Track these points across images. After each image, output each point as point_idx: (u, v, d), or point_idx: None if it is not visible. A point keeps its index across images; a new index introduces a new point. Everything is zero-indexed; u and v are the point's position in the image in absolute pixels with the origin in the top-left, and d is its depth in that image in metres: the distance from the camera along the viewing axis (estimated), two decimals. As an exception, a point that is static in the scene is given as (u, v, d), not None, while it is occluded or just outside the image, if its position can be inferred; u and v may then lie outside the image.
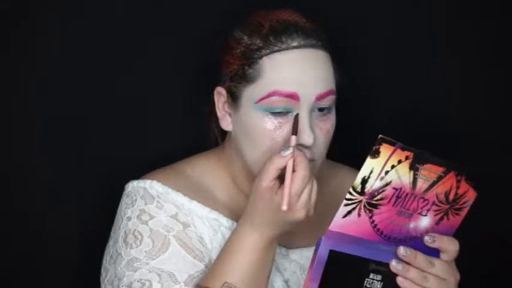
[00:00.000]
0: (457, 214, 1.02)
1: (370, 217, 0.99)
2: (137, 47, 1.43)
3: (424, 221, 1.02)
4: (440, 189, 0.99)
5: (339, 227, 0.99)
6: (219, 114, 1.19)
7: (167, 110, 1.46)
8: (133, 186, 1.21)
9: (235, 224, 1.19)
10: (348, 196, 0.97)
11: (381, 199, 0.98)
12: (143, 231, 1.15)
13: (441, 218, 1.02)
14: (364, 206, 0.98)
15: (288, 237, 1.21)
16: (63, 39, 1.40)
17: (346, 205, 0.98)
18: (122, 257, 1.15)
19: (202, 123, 1.29)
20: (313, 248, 1.07)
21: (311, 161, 1.12)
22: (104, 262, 1.20)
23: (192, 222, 1.18)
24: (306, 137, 1.10)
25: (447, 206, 1.01)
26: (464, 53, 1.47)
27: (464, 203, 1.02)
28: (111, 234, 1.21)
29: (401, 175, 0.97)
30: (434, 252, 1.04)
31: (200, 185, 1.22)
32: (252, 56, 1.12)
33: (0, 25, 1.37)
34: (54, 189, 1.44)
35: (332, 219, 0.99)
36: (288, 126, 1.11)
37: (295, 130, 1.08)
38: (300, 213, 1.06)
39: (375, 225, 1.00)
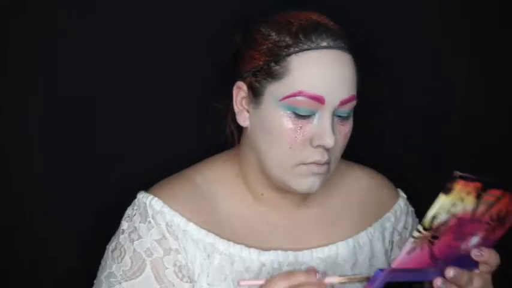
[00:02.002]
0: (501, 227, 1.01)
1: (431, 249, 0.96)
2: (145, 46, 1.42)
3: (474, 241, 1.00)
4: (495, 209, 0.97)
5: (400, 264, 0.96)
6: (236, 109, 1.18)
7: (177, 109, 1.46)
8: (139, 199, 1.22)
9: (231, 244, 1.18)
10: (416, 234, 0.94)
11: (444, 230, 0.95)
12: (128, 250, 1.17)
13: (487, 235, 1.00)
14: (429, 240, 0.95)
15: (294, 239, 1.21)
16: (66, 38, 1.40)
17: (413, 243, 0.94)
18: (106, 266, 1.19)
19: (214, 122, 1.29)
20: (324, 249, 1.13)
21: (326, 164, 1.12)
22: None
23: (182, 246, 1.17)
24: (328, 139, 1.10)
25: (494, 224, 0.99)
26: (480, 54, 1.47)
27: (509, 216, 1.00)
28: (113, 237, 1.22)
29: (467, 204, 0.94)
30: (472, 263, 1.02)
31: (206, 196, 1.21)
32: (280, 52, 1.11)
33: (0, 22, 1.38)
34: (58, 190, 1.44)
35: (396, 258, 0.96)
36: (309, 129, 1.11)
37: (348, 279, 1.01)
38: None
39: (433, 255, 0.97)
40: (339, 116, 1.12)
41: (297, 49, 1.10)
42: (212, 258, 1.18)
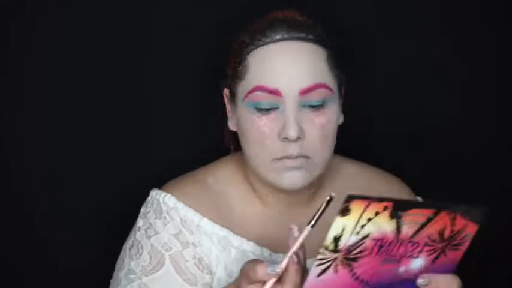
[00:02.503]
0: (456, 249, 0.95)
1: (350, 271, 0.92)
2: (146, 47, 1.43)
3: (417, 263, 0.94)
4: (431, 230, 0.92)
5: (314, 285, 0.90)
6: (228, 115, 1.20)
7: (179, 110, 1.46)
8: (152, 196, 1.23)
9: (244, 241, 1.19)
10: (320, 256, 0.88)
11: (360, 252, 0.90)
12: (145, 246, 1.18)
13: (438, 256, 0.95)
14: (341, 261, 0.90)
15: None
16: (66, 38, 1.41)
17: (319, 265, 0.89)
18: (124, 264, 1.19)
19: (217, 124, 1.28)
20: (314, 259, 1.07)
21: (302, 157, 1.11)
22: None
23: (197, 240, 1.18)
24: (289, 131, 1.09)
25: (443, 244, 0.94)
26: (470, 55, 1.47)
27: (463, 237, 0.94)
28: (129, 235, 1.23)
29: (381, 225, 0.89)
30: None
31: (219, 195, 1.22)
32: (242, 52, 1.13)
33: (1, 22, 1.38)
34: (58, 190, 1.45)
35: (306, 280, 0.90)
36: (276, 122, 1.11)
37: (312, 219, 0.95)
38: None
39: (357, 277, 0.92)
40: (311, 107, 1.11)
41: (253, 46, 1.12)
42: (228, 251, 1.19)
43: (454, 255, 0.95)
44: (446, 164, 1.49)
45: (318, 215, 0.93)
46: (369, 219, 0.88)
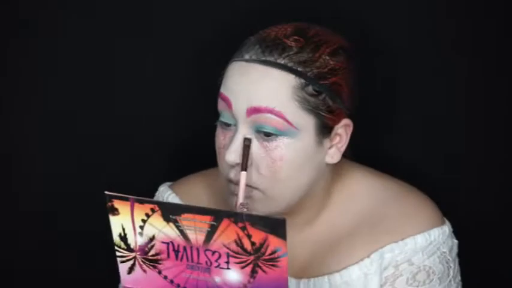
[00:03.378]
0: (274, 266, 0.91)
1: (159, 272, 0.93)
2: (147, 45, 1.43)
3: (232, 275, 0.92)
4: (224, 239, 0.90)
5: (131, 282, 0.93)
6: None
7: (185, 109, 1.46)
8: (159, 191, 1.25)
9: None
10: (118, 254, 0.92)
11: (157, 254, 0.91)
12: None
13: (253, 271, 0.92)
14: (144, 262, 0.92)
15: (299, 266, 1.15)
16: (66, 38, 1.41)
17: (122, 262, 0.92)
18: None
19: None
20: (323, 278, 1.08)
21: (250, 187, 1.05)
22: None
23: None
24: (227, 153, 1.04)
25: (251, 257, 0.91)
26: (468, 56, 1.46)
27: (273, 252, 0.90)
28: None
29: (161, 228, 0.90)
30: None
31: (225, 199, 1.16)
32: (228, 63, 1.11)
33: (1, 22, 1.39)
34: (58, 190, 1.46)
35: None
36: (229, 141, 1.07)
37: (243, 163, 1.02)
38: None
39: (172, 281, 0.93)
40: (265, 134, 1.04)
41: (231, 59, 1.09)
42: None
43: (277, 274, 0.91)
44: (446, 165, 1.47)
45: (244, 159, 1.02)
46: (144, 221, 0.89)
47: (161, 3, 1.41)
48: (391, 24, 1.37)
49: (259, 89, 1.04)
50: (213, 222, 0.88)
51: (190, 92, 1.44)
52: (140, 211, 0.88)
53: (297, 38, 1.06)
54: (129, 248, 0.91)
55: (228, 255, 0.90)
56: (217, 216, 0.88)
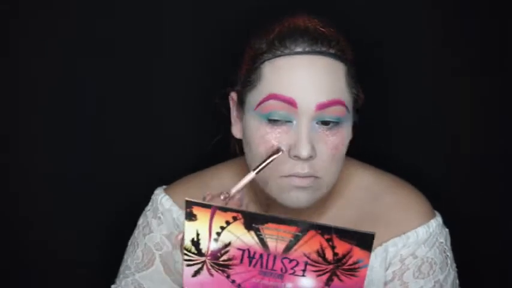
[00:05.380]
0: (352, 275, 0.91)
1: (227, 277, 0.93)
2: (153, 47, 1.43)
3: (305, 282, 0.92)
4: (305, 249, 0.90)
5: (194, 285, 0.93)
6: (232, 120, 1.15)
7: (187, 111, 1.46)
8: (155, 194, 1.24)
9: None
10: (186, 257, 0.92)
11: (229, 259, 0.91)
12: (140, 243, 1.21)
13: (330, 279, 0.92)
14: (212, 266, 0.92)
15: None
16: (66, 38, 1.41)
17: (188, 265, 0.92)
18: (124, 260, 1.23)
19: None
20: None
21: (311, 177, 1.05)
22: None
23: None
24: (301, 149, 1.03)
25: (330, 267, 0.91)
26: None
27: (355, 263, 0.90)
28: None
29: (240, 236, 0.90)
30: None
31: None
32: (257, 60, 1.07)
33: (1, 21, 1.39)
34: (59, 190, 1.46)
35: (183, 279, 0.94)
36: (287, 137, 1.05)
37: (258, 167, 1.02)
38: None
39: (239, 285, 0.94)
40: (324, 124, 1.05)
41: (270, 55, 1.06)
42: None
43: (354, 283, 0.92)
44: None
45: (264, 164, 1.01)
46: (222, 228, 0.89)
47: (161, 9, 1.42)
48: (385, 23, 1.40)
49: (327, 81, 1.04)
50: (297, 233, 0.89)
51: (193, 92, 1.45)
52: (221, 218, 0.88)
53: (328, 27, 1.08)
54: (199, 253, 0.91)
55: (306, 264, 0.91)
56: (304, 227, 0.88)
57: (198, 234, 0.90)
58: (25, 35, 1.39)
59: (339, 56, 1.06)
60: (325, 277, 0.92)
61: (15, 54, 1.40)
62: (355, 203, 1.17)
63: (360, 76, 1.09)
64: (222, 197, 0.99)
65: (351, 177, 1.19)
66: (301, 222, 0.88)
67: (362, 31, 1.35)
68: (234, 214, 0.88)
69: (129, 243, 1.23)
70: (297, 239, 0.89)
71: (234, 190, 1.00)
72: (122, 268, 1.22)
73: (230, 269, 0.92)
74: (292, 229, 0.88)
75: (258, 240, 0.89)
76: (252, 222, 0.88)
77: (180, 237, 0.94)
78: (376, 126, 1.39)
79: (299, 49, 1.05)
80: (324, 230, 0.88)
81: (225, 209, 0.88)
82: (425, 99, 1.43)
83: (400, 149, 1.44)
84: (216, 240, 0.90)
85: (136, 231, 1.22)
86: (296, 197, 1.06)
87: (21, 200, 1.45)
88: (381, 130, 1.43)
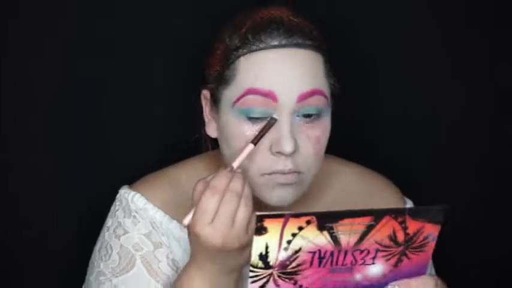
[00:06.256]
0: (420, 251, 0.92)
1: (295, 283, 0.91)
2: (153, 49, 1.43)
3: (375, 269, 0.92)
4: (378, 236, 0.89)
5: None
6: (205, 119, 1.12)
7: (159, 108, 1.45)
8: (121, 194, 1.18)
9: None
10: (252, 274, 0.88)
11: (299, 265, 0.89)
12: (114, 246, 1.13)
13: (399, 260, 0.92)
14: (279, 276, 0.89)
15: None
16: (65, 38, 1.41)
17: (253, 282, 0.89)
18: (94, 266, 1.15)
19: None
20: None
21: (295, 172, 1.03)
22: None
23: (168, 242, 1.13)
24: (285, 144, 1.00)
25: (400, 248, 0.91)
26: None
27: (424, 239, 0.91)
28: (99, 236, 1.20)
29: (312, 238, 0.87)
30: None
31: (189, 196, 1.04)
32: (230, 56, 1.04)
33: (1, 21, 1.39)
34: (58, 190, 1.45)
35: None
36: (269, 133, 1.02)
37: (256, 138, 0.99)
38: (216, 234, 0.93)
39: None
40: (306, 117, 1.03)
41: (245, 51, 1.03)
42: None
43: (421, 258, 0.93)
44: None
45: (261, 135, 0.98)
46: (294, 234, 0.87)
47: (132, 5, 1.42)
48: (366, 13, 1.41)
49: (306, 73, 1.02)
50: (371, 223, 0.88)
51: (165, 89, 1.45)
52: (293, 225, 0.86)
53: (300, 18, 1.06)
54: (266, 266, 0.88)
55: (377, 251, 0.90)
56: (378, 215, 0.88)
57: (267, 247, 0.87)
58: (25, 35, 1.39)
59: (315, 47, 1.04)
60: (393, 260, 0.91)
61: (15, 54, 1.40)
62: (345, 195, 1.17)
63: (340, 67, 1.08)
64: (228, 169, 0.96)
65: (335, 171, 1.19)
66: (375, 211, 0.88)
67: (344, 22, 1.37)
68: (308, 218, 0.86)
69: (97, 248, 1.15)
70: (370, 228, 0.88)
71: (235, 164, 0.98)
72: (92, 276, 1.14)
73: (298, 274, 0.90)
74: (367, 219, 0.87)
75: (330, 239, 0.88)
76: (326, 222, 0.86)
77: (186, 222, 0.94)
78: (356, 118, 1.40)
79: (275, 42, 1.02)
80: (398, 213, 0.88)
81: (297, 215, 0.86)
82: (408, 90, 1.43)
83: (383, 140, 1.45)
84: (286, 249, 0.87)
85: (106, 234, 1.15)
86: (280, 194, 1.04)
87: (21, 200, 1.44)
88: (363, 121, 1.44)
